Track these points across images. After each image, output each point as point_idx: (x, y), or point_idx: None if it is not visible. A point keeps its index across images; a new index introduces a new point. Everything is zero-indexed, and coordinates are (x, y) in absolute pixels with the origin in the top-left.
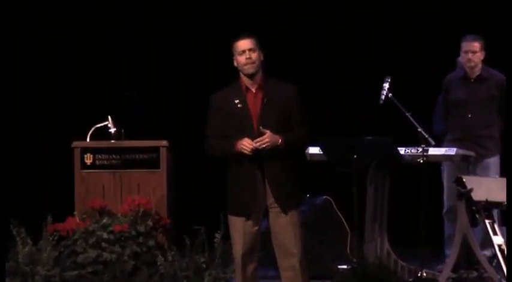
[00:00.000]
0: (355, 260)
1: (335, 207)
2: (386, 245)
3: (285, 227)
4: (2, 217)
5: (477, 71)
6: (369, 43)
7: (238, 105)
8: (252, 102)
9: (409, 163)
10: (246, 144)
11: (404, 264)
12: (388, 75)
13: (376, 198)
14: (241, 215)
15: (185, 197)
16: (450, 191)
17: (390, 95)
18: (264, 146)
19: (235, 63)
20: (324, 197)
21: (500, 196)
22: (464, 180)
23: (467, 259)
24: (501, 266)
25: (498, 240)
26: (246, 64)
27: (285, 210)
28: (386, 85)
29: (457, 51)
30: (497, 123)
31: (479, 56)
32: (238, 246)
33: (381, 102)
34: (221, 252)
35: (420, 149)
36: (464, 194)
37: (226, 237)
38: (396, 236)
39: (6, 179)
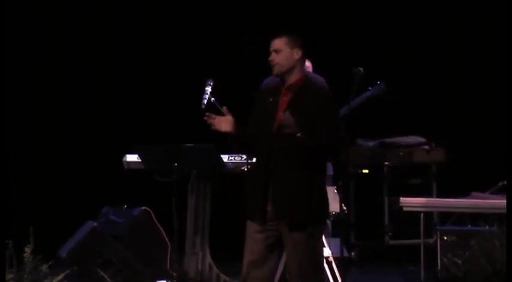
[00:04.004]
0: (175, 275)
1: (154, 219)
2: (209, 259)
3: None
4: None
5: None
6: None
7: (270, 100)
8: (283, 102)
9: (232, 172)
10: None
11: (227, 278)
12: (210, 77)
13: (198, 209)
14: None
15: None
16: None
17: (213, 99)
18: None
19: None
20: (142, 207)
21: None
22: None
23: None
24: (327, 279)
25: (325, 252)
26: (271, 66)
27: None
28: (208, 89)
29: None
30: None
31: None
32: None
33: (203, 107)
34: (31, 268)
35: (244, 157)
36: None
37: (36, 252)
38: (219, 249)
39: None
